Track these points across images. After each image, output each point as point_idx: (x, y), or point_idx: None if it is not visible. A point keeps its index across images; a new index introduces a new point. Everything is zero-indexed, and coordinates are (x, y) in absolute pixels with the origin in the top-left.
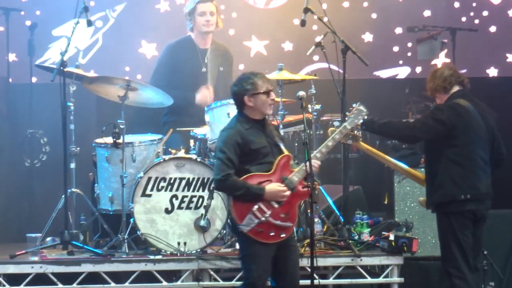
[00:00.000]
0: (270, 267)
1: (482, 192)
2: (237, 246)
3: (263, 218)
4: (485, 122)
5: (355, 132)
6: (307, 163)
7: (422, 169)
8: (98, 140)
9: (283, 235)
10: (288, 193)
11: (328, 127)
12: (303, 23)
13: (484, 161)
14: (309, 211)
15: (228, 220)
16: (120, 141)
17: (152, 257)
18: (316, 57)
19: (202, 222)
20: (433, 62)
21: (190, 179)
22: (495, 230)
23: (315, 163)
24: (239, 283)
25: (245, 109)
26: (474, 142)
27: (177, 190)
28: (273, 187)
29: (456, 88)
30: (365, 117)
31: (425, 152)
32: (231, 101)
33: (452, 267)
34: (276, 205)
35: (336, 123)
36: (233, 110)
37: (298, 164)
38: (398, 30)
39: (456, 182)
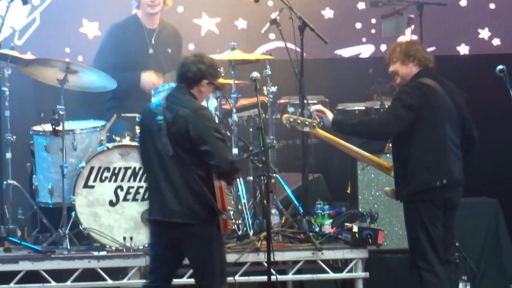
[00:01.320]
0: None
1: (456, 178)
2: None
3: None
4: (454, 103)
5: (312, 119)
6: None
7: (387, 155)
8: (36, 128)
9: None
10: None
11: (285, 111)
12: None
13: (455, 144)
14: (265, 201)
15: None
16: (60, 128)
17: (96, 253)
18: (271, 36)
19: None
20: (399, 40)
21: (136, 169)
22: (468, 220)
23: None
24: (189, 280)
25: (194, 90)
26: (443, 124)
27: (122, 180)
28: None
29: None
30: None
31: (392, 140)
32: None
33: (420, 260)
34: None
35: (291, 109)
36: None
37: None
38: (361, 5)
39: (429, 169)
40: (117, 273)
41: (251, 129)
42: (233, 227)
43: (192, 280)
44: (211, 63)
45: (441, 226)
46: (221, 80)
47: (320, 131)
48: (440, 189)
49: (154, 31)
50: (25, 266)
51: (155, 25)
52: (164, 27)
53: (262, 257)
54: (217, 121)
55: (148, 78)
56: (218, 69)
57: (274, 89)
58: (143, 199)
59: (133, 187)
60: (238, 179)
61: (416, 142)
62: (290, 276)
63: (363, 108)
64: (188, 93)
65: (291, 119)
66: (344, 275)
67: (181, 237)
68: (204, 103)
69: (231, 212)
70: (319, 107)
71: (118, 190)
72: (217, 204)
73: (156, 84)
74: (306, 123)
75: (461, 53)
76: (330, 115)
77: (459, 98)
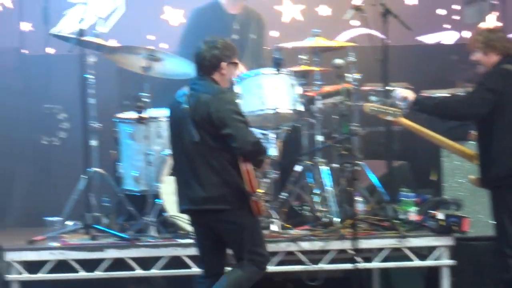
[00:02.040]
0: None
1: None
2: (274, 228)
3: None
4: None
5: (397, 107)
6: None
7: (471, 143)
8: (121, 115)
9: None
10: None
11: (369, 98)
12: None
13: None
14: (350, 188)
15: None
16: (145, 115)
17: (181, 241)
18: (354, 22)
19: None
20: (480, 26)
21: None
22: None
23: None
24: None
25: (215, 75)
26: None
27: None
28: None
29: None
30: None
31: (476, 125)
32: (264, 71)
33: (507, 247)
34: None
35: (373, 98)
36: (267, 81)
37: None
38: None
39: None
40: None
41: (335, 116)
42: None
43: None
44: (224, 44)
45: None
46: (305, 67)
47: (403, 119)
48: None
49: (237, 16)
50: (111, 254)
51: (237, 11)
52: (247, 13)
53: (347, 244)
54: (300, 108)
55: None
56: (233, 47)
57: (357, 76)
58: None
59: None
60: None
61: (499, 128)
62: (375, 264)
63: (447, 95)
64: (210, 79)
65: (374, 108)
66: (429, 262)
67: (214, 223)
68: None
69: (263, 195)
70: (402, 91)
71: None
72: (245, 187)
73: (240, 71)
74: (390, 112)
75: None
76: (411, 96)
77: None
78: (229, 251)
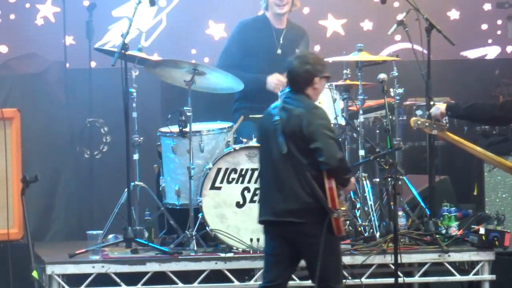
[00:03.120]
0: None
1: None
2: None
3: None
4: None
5: (441, 121)
6: None
7: None
8: (163, 129)
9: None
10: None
11: (412, 113)
12: (383, 0)
13: None
14: (392, 203)
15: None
16: (187, 129)
17: (222, 255)
18: (398, 37)
19: None
20: None
21: None
22: None
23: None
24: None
25: (308, 90)
26: None
27: (249, 182)
28: (353, 180)
29: None
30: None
31: None
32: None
33: None
34: None
35: (419, 112)
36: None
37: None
38: (487, 6)
39: None
40: (244, 275)
41: (377, 131)
42: (348, 228)
43: None
44: (315, 59)
45: None
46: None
47: (448, 133)
48: None
49: (282, 31)
50: (152, 267)
51: (283, 26)
52: (291, 28)
53: (388, 259)
54: (342, 122)
55: (274, 79)
56: (323, 61)
57: (400, 90)
58: None
59: (260, 189)
60: (355, 182)
61: None
62: (416, 278)
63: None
64: (303, 93)
65: (419, 122)
66: (470, 277)
67: (293, 236)
68: (318, 102)
69: (344, 213)
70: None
71: (245, 192)
72: (328, 203)
73: (283, 84)
74: (435, 125)
75: None
76: (442, 105)
77: None
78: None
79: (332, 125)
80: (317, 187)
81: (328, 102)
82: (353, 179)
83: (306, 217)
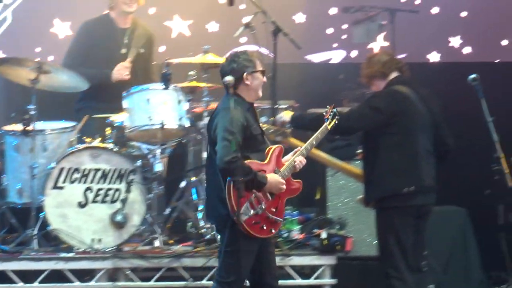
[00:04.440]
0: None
1: (426, 184)
2: (157, 243)
3: (258, 210)
4: (428, 109)
5: (285, 127)
6: (297, 159)
7: (357, 163)
8: (6, 127)
9: (273, 231)
10: (285, 186)
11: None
12: (230, 1)
13: (428, 151)
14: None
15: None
16: (31, 128)
17: (63, 254)
18: (244, 39)
19: (119, 217)
20: (369, 46)
21: (106, 171)
22: (436, 228)
23: (302, 159)
24: (159, 283)
25: (240, 89)
26: (416, 131)
27: (91, 182)
28: (274, 177)
29: (394, 74)
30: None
31: (362, 143)
32: (152, 86)
33: (390, 268)
34: (269, 198)
35: (263, 119)
36: (154, 96)
37: None
38: (333, 11)
39: (397, 174)
40: (85, 275)
41: None
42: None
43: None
44: (242, 56)
45: (412, 234)
46: (193, 83)
47: (292, 139)
48: (408, 195)
49: (127, 30)
50: None
51: (128, 25)
52: (136, 27)
53: None
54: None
55: (118, 71)
56: (248, 54)
57: None
58: (112, 201)
59: (102, 189)
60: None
61: (386, 148)
62: None
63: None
64: (234, 94)
65: (264, 128)
66: (311, 281)
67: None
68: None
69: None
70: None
71: (88, 192)
72: (230, 205)
73: (126, 76)
74: (279, 132)
75: (432, 61)
76: (288, 116)
77: (434, 105)
78: None
79: (238, 124)
80: (225, 190)
81: (173, 103)
82: (272, 178)
83: (216, 220)
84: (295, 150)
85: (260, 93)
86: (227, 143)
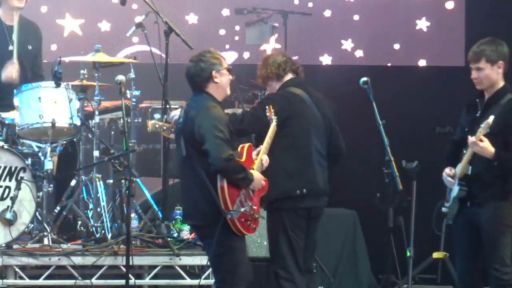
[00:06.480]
0: None
1: (319, 187)
2: (46, 241)
3: (247, 207)
4: (321, 113)
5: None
6: (263, 157)
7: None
8: None
9: (255, 228)
10: (264, 183)
11: (148, 115)
12: (122, 1)
13: (320, 154)
14: (125, 205)
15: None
16: None
17: None
18: (136, 39)
19: (8, 215)
20: (262, 48)
21: None
22: (326, 230)
23: (267, 158)
24: (48, 281)
25: (209, 87)
26: (309, 133)
27: None
28: (258, 175)
29: (289, 76)
30: None
31: (256, 145)
32: (44, 84)
33: (280, 268)
34: (252, 195)
35: (157, 116)
36: (45, 94)
37: None
38: (226, 12)
39: (290, 176)
40: None
41: (112, 132)
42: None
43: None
44: (209, 54)
45: (303, 236)
46: (85, 82)
47: None
48: (300, 198)
49: (14, 27)
50: None
51: (15, 22)
52: (24, 24)
53: (119, 260)
54: (77, 123)
55: (8, 71)
56: (213, 53)
57: (137, 92)
58: (2, 199)
59: None
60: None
61: (279, 150)
62: (146, 281)
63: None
64: (203, 92)
65: (157, 125)
66: (201, 281)
67: (199, 238)
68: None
69: (246, 212)
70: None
71: None
72: (221, 204)
73: (15, 77)
74: (172, 129)
75: (324, 63)
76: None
77: (327, 109)
78: None
79: (222, 122)
80: (212, 189)
81: (64, 102)
82: (256, 175)
83: (202, 220)
84: (258, 149)
85: (228, 91)
86: (220, 141)
